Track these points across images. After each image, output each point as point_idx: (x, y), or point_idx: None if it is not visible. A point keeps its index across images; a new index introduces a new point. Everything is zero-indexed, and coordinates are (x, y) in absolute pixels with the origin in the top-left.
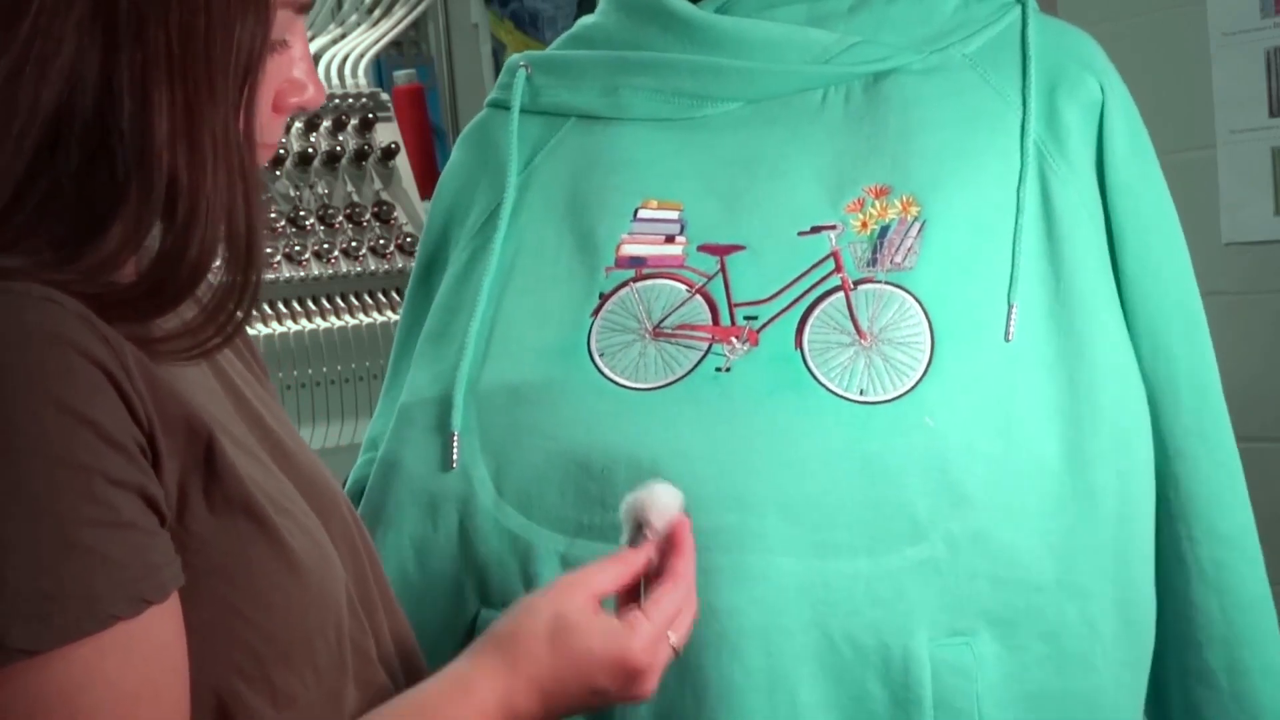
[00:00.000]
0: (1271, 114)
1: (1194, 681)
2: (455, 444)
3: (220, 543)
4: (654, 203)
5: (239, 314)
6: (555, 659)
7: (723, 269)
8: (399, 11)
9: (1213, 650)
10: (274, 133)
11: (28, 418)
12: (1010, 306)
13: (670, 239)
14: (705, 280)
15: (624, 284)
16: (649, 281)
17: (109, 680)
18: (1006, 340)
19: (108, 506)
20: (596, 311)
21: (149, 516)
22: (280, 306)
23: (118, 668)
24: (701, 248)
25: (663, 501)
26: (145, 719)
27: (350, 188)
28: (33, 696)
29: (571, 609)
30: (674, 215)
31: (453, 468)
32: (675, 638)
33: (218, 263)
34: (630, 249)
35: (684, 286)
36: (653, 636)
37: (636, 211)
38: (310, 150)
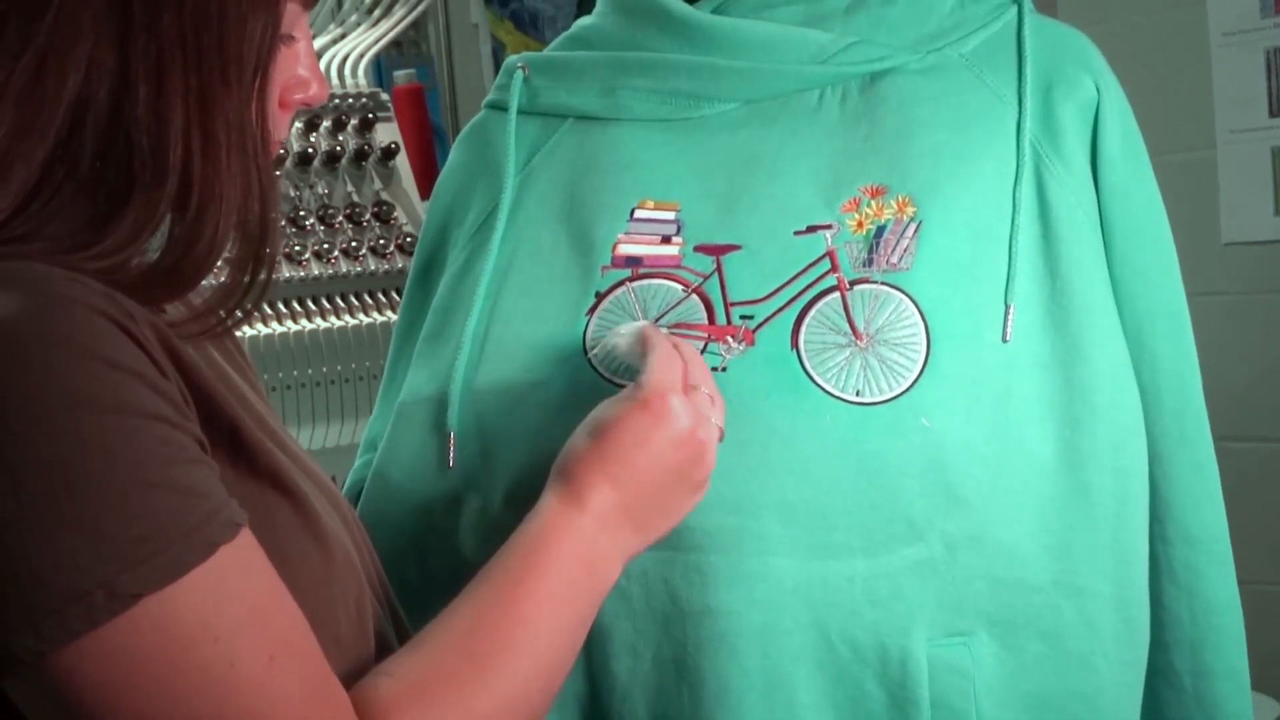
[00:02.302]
0: (1271, 114)
1: (1159, 681)
2: (452, 444)
3: (248, 510)
4: (650, 203)
5: (248, 302)
6: (599, 445)
7: (719, 269)
8: (399, 11)
9: (1179, 652)
10: (280, 129)
11: (85, 375)
12: (1007, 307)
13: (667, 239)
14: (701, 280)
15: (620, 283)
16: (645, 281)
17: (236, 597)
18: (1004, 341)
19: (178, 446)
20: (592, 310)
21: (206, 455)
22: (280, 306)
23: (239, 585)
24: (698, 248)
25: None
26: (279, 621)
27: (350, 188)
28: (170, 632)
29: (593, 413)
30: (670, 216)
31: (450, 468)
32: (709, 396)
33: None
34: (626, 249)
35: (680, 286)
36: (658, 373)
37: (633, 212)
38: (310, 150)
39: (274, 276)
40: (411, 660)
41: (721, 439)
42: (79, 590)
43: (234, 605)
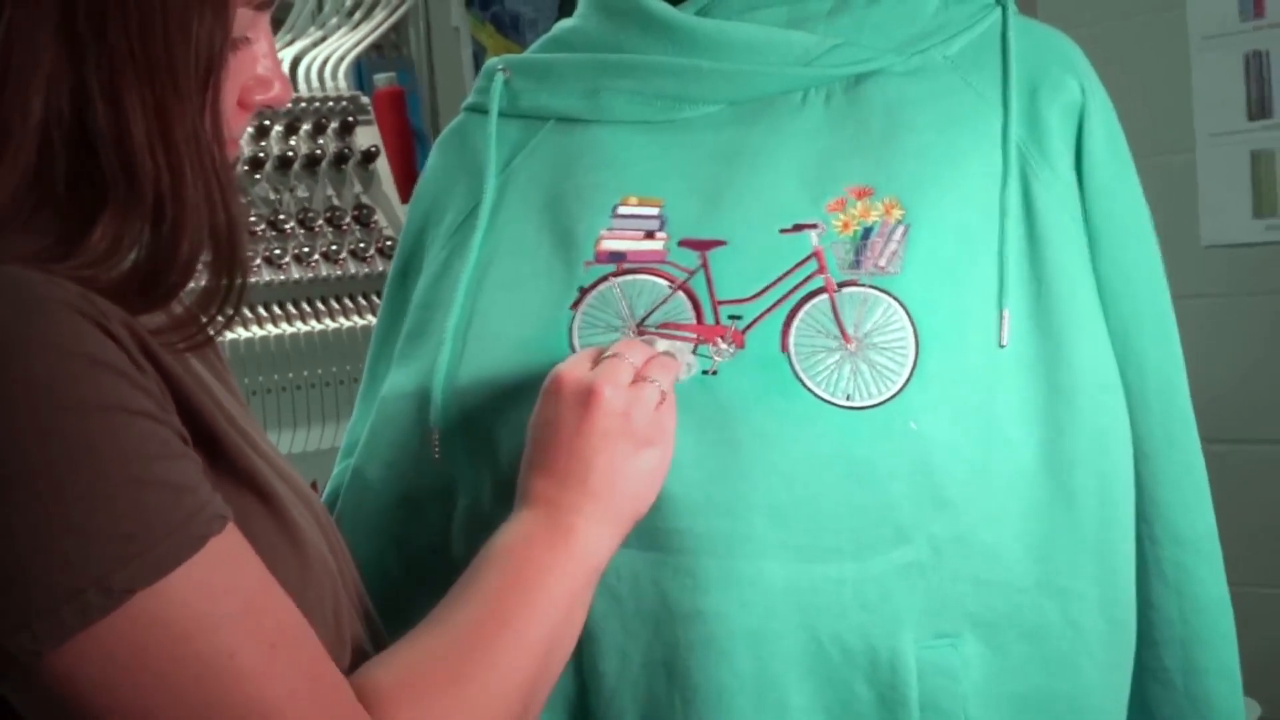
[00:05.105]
0: (1250, 117)
1: (1150, 680)
2: (435, 440)
3: None
4: (633, 199)
5: (228, 307)
6: (531, 446)
7: (704, 265)
8: (379, 14)
9: (1170, 650)
10: (238, 129)
11: (68, 374)
12: (1002, 312)
13: (650, 235)
14: (687, 276)
15: (604, 278)
16: (630, 277)
17: (229, 588)
18: (1001, 346)
19: (163, 441)
20: (576, 305)
21: (188, 448)
22: (260, 310)
23: (231, 576)
24: (682, 243)
25: None
26: (275, 609)
27: (330, 191)
28: (165, 625)
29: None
30: (654, 211)
31: (432, 463)
32: (664, 383)
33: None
34: (609, 244)
35: (665, 282)
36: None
37: (615, 208)
38: (290, 154)
39: (248, 280)
40: (408, 653)
41: (664, 401)
42: (72, 588)
43: (228, 596)
